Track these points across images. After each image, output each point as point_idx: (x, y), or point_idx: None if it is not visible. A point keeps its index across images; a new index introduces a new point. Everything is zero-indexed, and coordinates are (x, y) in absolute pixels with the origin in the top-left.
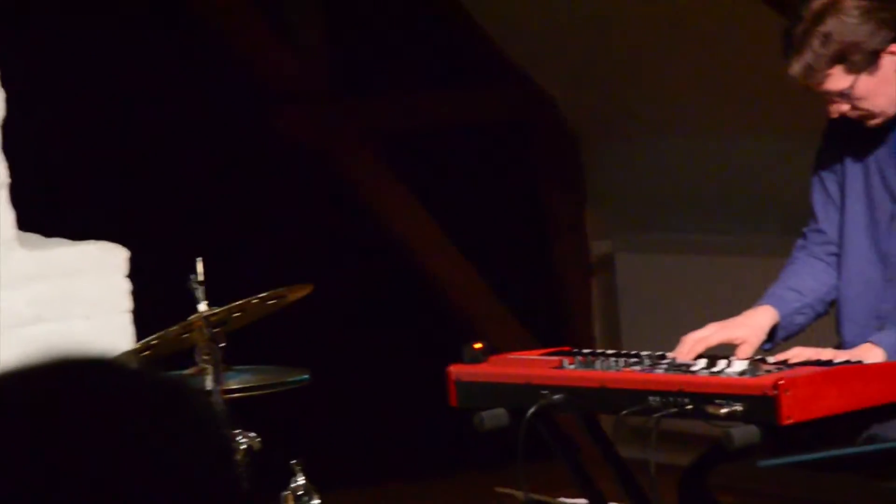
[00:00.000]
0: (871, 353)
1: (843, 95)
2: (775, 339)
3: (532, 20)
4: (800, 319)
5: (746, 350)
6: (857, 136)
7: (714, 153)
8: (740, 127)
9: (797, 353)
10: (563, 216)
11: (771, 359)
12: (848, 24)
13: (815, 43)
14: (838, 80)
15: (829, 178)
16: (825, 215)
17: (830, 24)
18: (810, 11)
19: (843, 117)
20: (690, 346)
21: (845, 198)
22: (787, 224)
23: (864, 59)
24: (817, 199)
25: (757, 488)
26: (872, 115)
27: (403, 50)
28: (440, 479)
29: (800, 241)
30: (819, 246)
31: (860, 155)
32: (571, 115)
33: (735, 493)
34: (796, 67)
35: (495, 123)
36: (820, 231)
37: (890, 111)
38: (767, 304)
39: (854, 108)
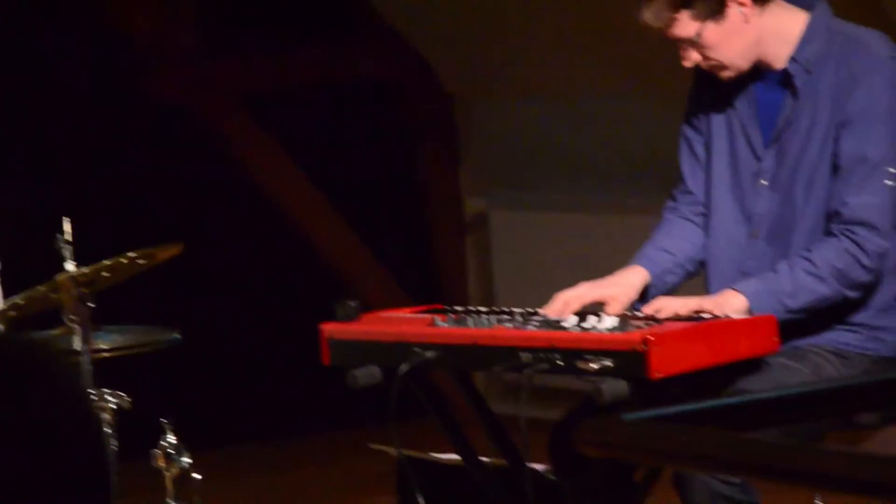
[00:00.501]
0: (732, 300)
1: (693, 43)
2: (647, 298)
3: None
4: (671, 279)
5: (616, 308)
6: (722, 95)
7: (588, 112)
8: (614, 86)
9: (663, 305)
10: (438, 174)
11: (640, 313)
12: None
13: None
14: (685, 26)
15: (696, 139)
16: (692, 176)
17: None
18: None
19: (707, 76)
20: (562, 303)
21: (711, 157)
22: (661, 183)
23: (708, 7)
24: (684, 161)
25: (624, 442)
26: (723, 67)
27: (275, 8)
28: (314, 436)
29: (669, 203)
30: (687, 206)
31: (724, 114)
32: (445, 75)
33: (603, 447)
34: (647, 13)
35: (369, 82)
36: (688, 192)
37: (741, 64)
38: (638, 264)
39: (705, 57)
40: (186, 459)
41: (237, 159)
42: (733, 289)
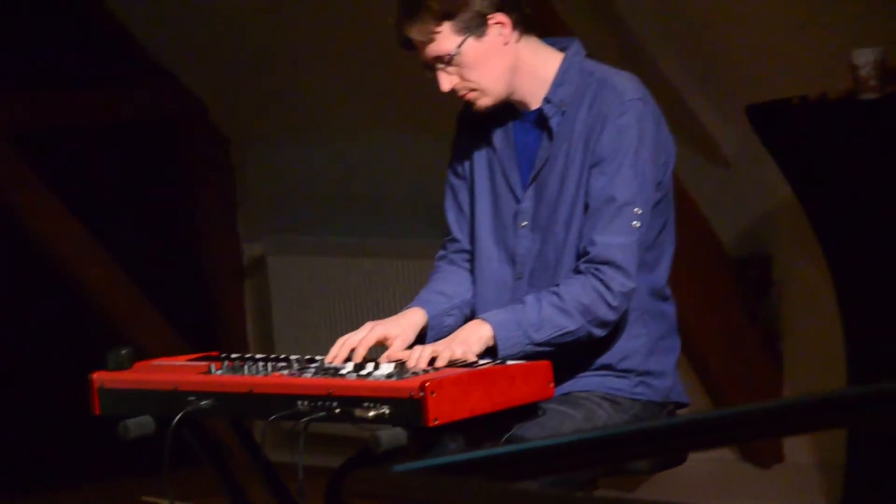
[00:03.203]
0: (478, 329)
1: (451, 61)
2: (426, 340)
3: (175, 19)
4: (448, 321)
5: (399, 346)
6: (483, 138)
7: (364, 154)
8: (389, 127)
9: (418, 353)
10: (214, 218)
11: (383, 360)
12: None
13: (427, 1)
14: (446, 40)
15: (459, 185)
16: (457, 225)
17: None
18: None
19: (468, 121)
20: (339, 347)
21: (475, 201)
22: (440, 226)
23: (472, 21)
24: (449, 209)
25: (393, 493)
26: (482, 92)
27: (45, 47)
28: (86, 488)
29: (440, 252)
30: (456, 254)
31: (485, 156)
32: (220, 116)
33: (371, 498)
34: (411, 29)
35: (143, 123)
36: (454, 240)
37: (498, 89)
38: (416, 306)
39: (463, 78)
40: None
41: (4, 201)
42: (480, 318)
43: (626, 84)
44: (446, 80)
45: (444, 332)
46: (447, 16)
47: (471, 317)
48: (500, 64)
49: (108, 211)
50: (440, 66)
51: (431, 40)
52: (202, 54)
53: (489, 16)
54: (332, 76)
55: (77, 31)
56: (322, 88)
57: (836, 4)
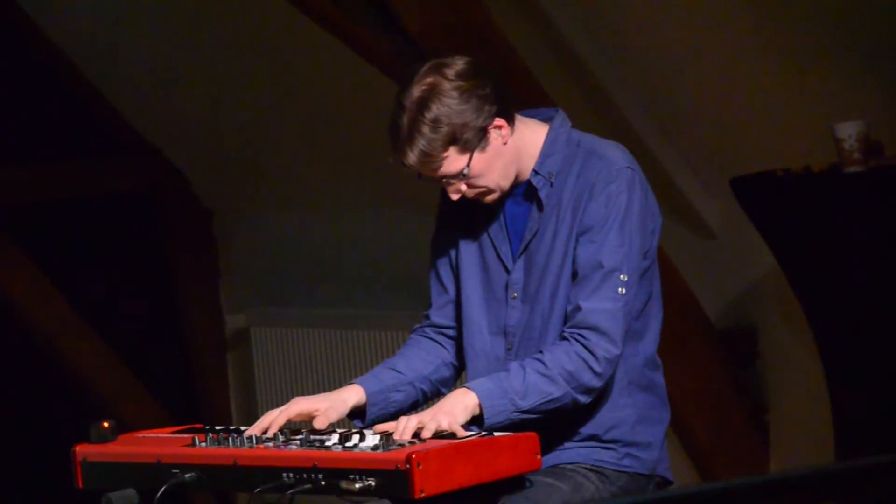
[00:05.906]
0: (464, 398)
1: (461, 176)
2: (366, 416)
3: (159, 93)
4: (396, 397)
5: (321, 422)
6: (469, 211)
7: (348, 227)
8: (373, 200)
9: (402, 423)
10: (197, 290)
11: (368, 431)
12: (452, 106)
13: (425, 129)
14: (454, 161)
15: (442, 263)
16: (438, 298)
17: (436, 109)
18: (411, 100)
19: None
20: (267, 421)
21: (461, 277)
22: (423, 299)
23: (474, 137)
24: (432, 283)
25: None
26: (489, 191)
27: (27, 121)
28: None
29: (417, 325)
30: (432, 328)
31: (472, 229)
32: (203, 189)
33: None
34: (412, 157)
35: (125, 196)
36: (434, 313)
37: (504, 185)
38: (358, 382)
39: (471, 186)
40: None
41: None
42: (465, 387)
43: (614, 153)
44: (454, 191)
45: (390, 408)
46: (451, 141)
47: (430, 393)
48: (504, 163)
49: (89, 283)
50: (446, 181)
51: (439, 167)
52: (185, 128)
53: (490, 125)
54: (315, 150)
55: (61, 106)
56: (305, 162)
57: (820, 77)
